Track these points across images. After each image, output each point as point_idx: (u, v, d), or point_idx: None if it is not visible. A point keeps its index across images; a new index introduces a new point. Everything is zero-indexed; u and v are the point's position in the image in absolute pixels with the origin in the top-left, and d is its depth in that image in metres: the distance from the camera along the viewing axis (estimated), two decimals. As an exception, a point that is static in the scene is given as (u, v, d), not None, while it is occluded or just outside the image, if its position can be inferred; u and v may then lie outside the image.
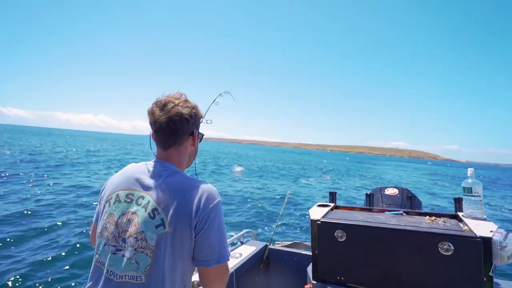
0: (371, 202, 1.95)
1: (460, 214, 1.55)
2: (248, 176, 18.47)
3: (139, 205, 0.93)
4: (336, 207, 1.88)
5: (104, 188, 1.06)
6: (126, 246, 0.89)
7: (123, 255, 0.89)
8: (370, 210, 1.80)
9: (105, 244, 0.93)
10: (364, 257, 1.43)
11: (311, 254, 1.76)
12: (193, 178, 0.99)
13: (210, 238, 0.91)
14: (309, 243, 2.29)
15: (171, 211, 0.89)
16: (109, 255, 0.91)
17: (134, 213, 0.92)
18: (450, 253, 1.24)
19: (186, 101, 1.04)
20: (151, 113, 1.01)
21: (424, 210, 1.77)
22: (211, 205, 0.93)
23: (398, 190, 1.99)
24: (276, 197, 11.57)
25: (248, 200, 10.54)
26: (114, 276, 0.89)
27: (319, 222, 1.53)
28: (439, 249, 1.26)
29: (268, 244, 2.52)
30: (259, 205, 9.67)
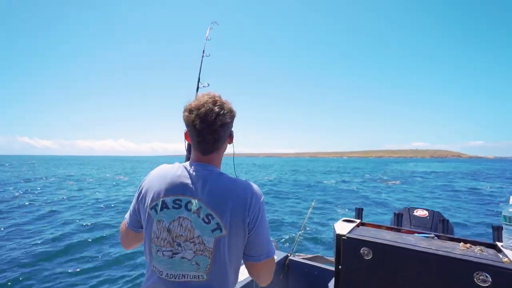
0: (399, 222, 1.91)
1: (499, 244, 1.45)
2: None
3: (189, 210, 0.93)
4: (362, 224, 1.84)
5: (142, 192, 1.02)
6: (184, 249, 0.92)
7: (182, 257, 0.92)
8: (398, 230, 1.73)
9: (158, 251, 0.95)
10: (390, 279, 1.37)
11: (333, 269, 1.73)
12: (238, 179, 1.00)
13: (260, 234, 0.96)
14: (330, 258, 2.25)
15: (225, 214, 0.92)
16: (166, 259, 0.93)
17: (185, 218, 0.93)
18: (487, 284, 1.17)
19: (222, 104, 0.99)
20: (191, 124, 0.96)
21: (458, 236, 1.67)
22: (258, 204, 0.96)
23: (429, 213, 1.94)
24: (302, 209, 11.40)
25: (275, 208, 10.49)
26: (174, 278, 0.93)
27: (345, 238, 1.49)
28: (475, 279, 1.19)
29: (288, 254, 2.47)
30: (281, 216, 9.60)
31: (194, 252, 0.92)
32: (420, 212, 1.97)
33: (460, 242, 1.51)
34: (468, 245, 1.46)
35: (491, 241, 1.54)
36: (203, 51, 1.79)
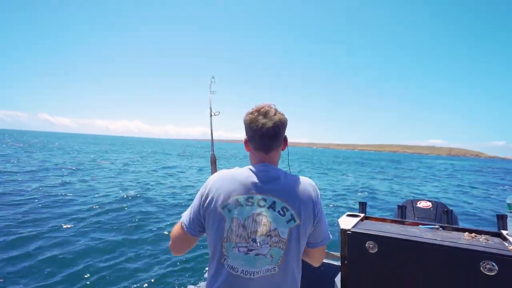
0: (403, 214, 1.92)
1: (504, 232, 1.47)
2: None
3: (262, 206, 1.02)
4: (366, 218, 1.85)
5: (209, 195, 1.06)
6: (259, 245, 1.00)
7: (257, 254, 0.99)
8: (402, 223, 1.75)
9: (233, 247, 1.00)
10: (397, 271, 1.39)
11: (338, 264, 1.77)
12: (299, 175, 1.14)
13: (323, 222, 1.13)
14: (335, 253, 2.29)
15: (297, 205, 1.03)
16: (242, 255, 1.00)
17: (259, 214, 1.01)
18: (494, 273, 1.17)
19: (277, 110, 1.17)
20: (254, 120, 1.11)
21: (462, 225, 1.69)
22: (319, 196, 1.12)
23: (432, 204, 1.94)
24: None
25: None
26: (250, 274, 0.99)
27: (350, 232, 1.50)
28: (481, 268, 1.20)
29: None
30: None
31: (270, 245, 1.00)
32: (423, 204, 1.98)
33: (465, 232, 1.50)
34: (473, 234, 1.46)
35: (496, 230, 1.55)
36: (210, 87, 1.91)
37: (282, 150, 1.20)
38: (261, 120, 1.10)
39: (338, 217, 1.77)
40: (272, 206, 1.02)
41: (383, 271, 1.43)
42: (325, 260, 2.35)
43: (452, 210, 1.86)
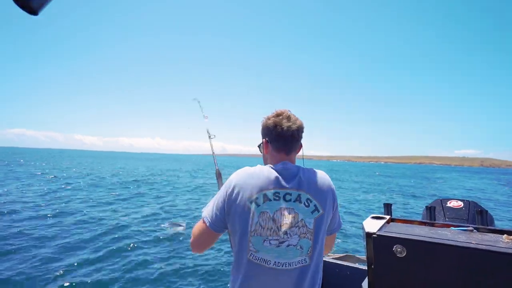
0: (432, 215, 1.80)
1: None
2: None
3: (288, 200, 1.08)
4: (392, 220, 1.76)
5: (234, 190, 1.08)
6: (289, 236, 1.04)
7: (288, 245, 1.04)
8: (432, 225, 1.64)
9: (264, 241, 1.04)
10: (427, 277, 1.30)
11: (364, 268, 1.66)
12: (313, 168, 1.21)
13: (337, 210, 1.23)
14: (361, 257, 2.19)
15: (319, 196, 1.11)
16: (274, 248, 1.03)
17: (286, 208, 1.06)
18: None
19: None
20: (279, 123, 1.19)
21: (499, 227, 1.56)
22: (334, 186, 1.22)
23: (464, 203, 1.82)
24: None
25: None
26: (283, 266, 1.03)
27: (375, 236, 1.43)
28: None
29: None
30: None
31: (299, 236, 1.05)
32: (454, 203, 1.86)
33: (503, 234, 1.39)
34: None
35: None
36: (202, 111, 2.01)
37: (297, 153, 1.28)
38: (286, 123, 1.18)
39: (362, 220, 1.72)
40: (298, 199, 1.08)
41: (412, 276, 1.33)
42: (351, 264, 2.28)
43: (487, 210, 1.72)
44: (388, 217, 1.75)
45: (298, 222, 1.06)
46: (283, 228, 1.04)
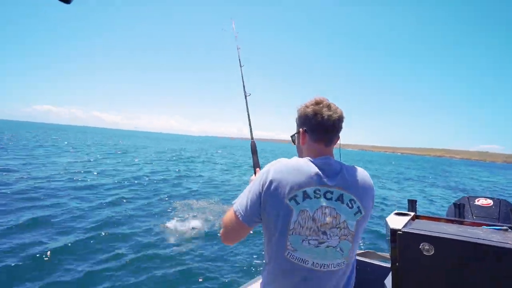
0: (460, 213, 1.74)
1: None
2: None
3: (330, 199, 1.01)
4: (417, 217, 1.68)
5: (272, 185, 1.00)
6: (329, 237, 0.99)
7: (328, 246, 0.99)
8: (461, 223, 1.56)
9: (303, 240, 0.98)
10: (458, 277, 1.23)
11: (386, 265, 1.61)
12: (355, 166, 1.14)
13: None
14: (383, 254, 2.15)
15: (361, 197, 1.05)
16: (313, 248, 0.98)
17: (327, 207, 1.00)
18: None
19: None
20: (319, 112, 1.08)
21: None
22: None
23: (494, 201, 1.76)
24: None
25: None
26: (321, 267, 0.99)
27: (401, 232, 1.35)
28: None
29: None
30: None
31: (339, 237, 1.00)
32: (482, 201, 1.79)
33: None
34: None
35: None
36: (239, 61, 1.85)
37: (335, 145, 1.17)
38: (326, 112, 1.08)
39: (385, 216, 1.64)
40: (340, 199, 1.01)
41: (440, 276, 1.27)
42: (374, 261, 2.23)
43: None
44: (412, 213, 1.67)
45: (340, 223, 1.00)
46: (323, 228, 0.98)
